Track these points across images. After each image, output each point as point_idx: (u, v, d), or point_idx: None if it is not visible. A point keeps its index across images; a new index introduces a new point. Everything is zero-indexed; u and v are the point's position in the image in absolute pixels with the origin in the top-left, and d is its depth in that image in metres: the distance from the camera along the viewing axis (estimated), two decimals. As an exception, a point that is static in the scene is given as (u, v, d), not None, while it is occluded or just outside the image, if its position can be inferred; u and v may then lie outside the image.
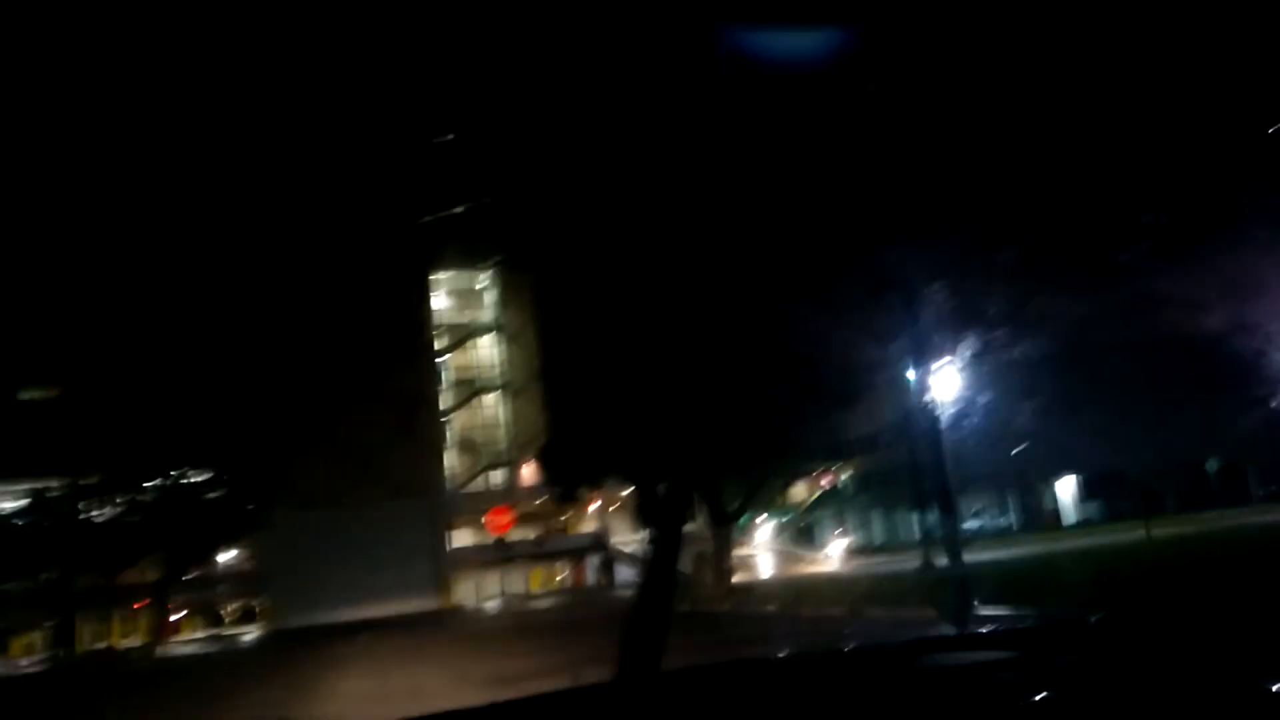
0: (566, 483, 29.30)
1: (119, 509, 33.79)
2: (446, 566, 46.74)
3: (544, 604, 33.98)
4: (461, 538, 49.75)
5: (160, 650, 37.98)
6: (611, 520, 49.19)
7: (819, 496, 63.52)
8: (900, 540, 51.65)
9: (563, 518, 55.04)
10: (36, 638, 41.94)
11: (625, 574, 46.14)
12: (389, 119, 48.43)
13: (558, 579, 59.55)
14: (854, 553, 34.00)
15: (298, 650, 23.40)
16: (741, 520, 26.73)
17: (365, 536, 44.44)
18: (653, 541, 8.24)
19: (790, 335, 21.07)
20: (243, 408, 42.67)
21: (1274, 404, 30.33)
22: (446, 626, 25.36)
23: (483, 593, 49.52)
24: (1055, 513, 51.37)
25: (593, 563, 51.02)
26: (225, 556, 49.99)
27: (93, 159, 40.47)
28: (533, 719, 2.17)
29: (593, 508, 49.00)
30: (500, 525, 25.50)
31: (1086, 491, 52.13)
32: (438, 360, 54.00)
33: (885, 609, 12.97)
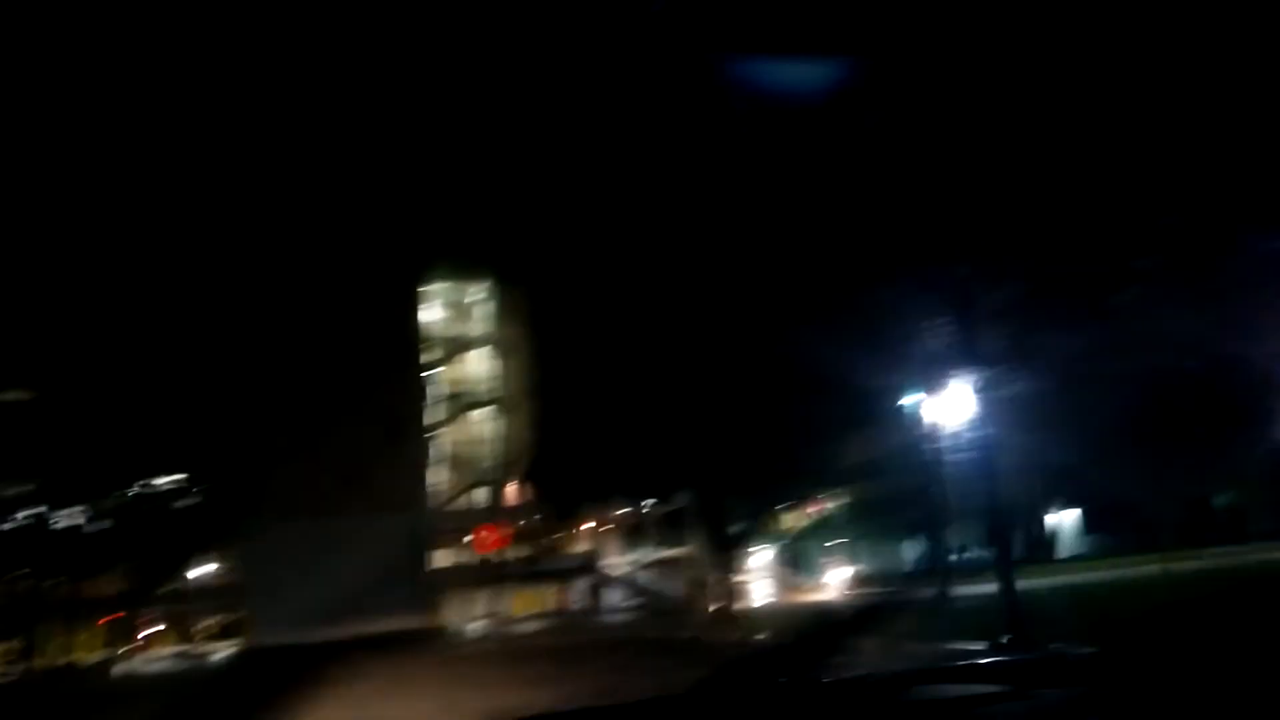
0: (562, 500, 28.32)
1: (85, 516, 32.38)
2: (429, 585, 45.28)
3: (530, 627, 32.63)
4: (445, 557, 48.41)
5: (121, 667, 36.48)
6: (601, 543, 47.94)
7: (807, 525, 62.65)
8: (897, 570, 50.96)
9: (550, 539, 53.82)
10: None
11: (613, 598, 44.88)
12: (380, 124, 47.94)
13: (543, 602, 58.21)
14: (858, 581, 32.81)
15: (270, 671, 22.01)
16: (746, 545, 25.57)
17: (346, 551, 42.97)
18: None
19: (805, 354, 20.39)
20: (222, 415, 41.50)
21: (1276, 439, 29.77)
22: (431, 649, 24.02)
23: (465, 613, 48.07)
24: (1050, 546, 50.61)
25: (580, 586, 49.63)
26: (201, 569, 48.60)
27: (71, 162, 39.56)
28: None
29: (580, 529, 47.84)
30: (488, 543, 24.25)
31: (1086, 524, 51.29)
32: (427, 374, 52.76)
33: (922, 640, 11.85)
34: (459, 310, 58.03)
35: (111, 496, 33.06)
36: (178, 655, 48.69)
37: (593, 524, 45.13)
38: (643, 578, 36.97)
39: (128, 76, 38.37)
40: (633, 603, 40.54)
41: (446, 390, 55.50)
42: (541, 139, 30.38)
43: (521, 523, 46.95)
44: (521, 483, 50.65)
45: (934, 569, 20.40)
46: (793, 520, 58.89)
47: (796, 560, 51.89)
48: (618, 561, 47.10)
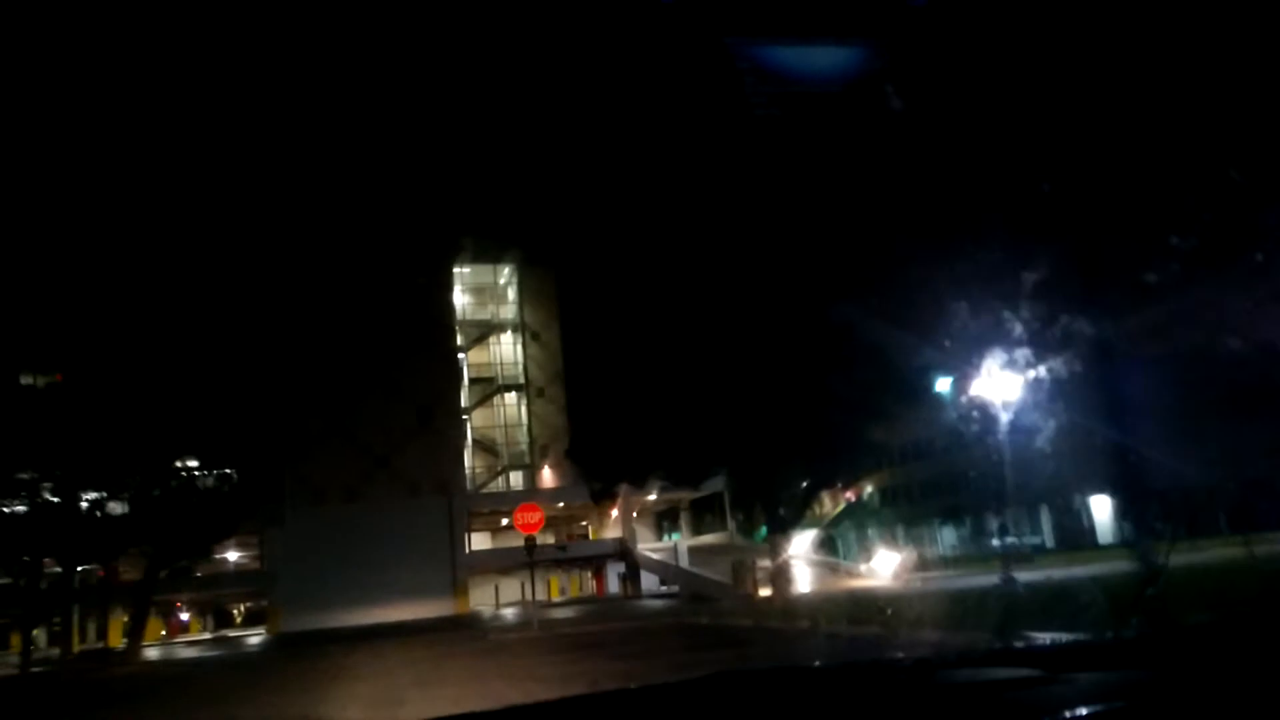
0: (597, 483, 27.50)
1: (115, 500, 31.89)
2: (463, 570, 44.70)
3: (567, 613, 31.75)
4: (478, 540, 47.83)
5: (153, 652, 36.10)
6: (637, 526, 47.09)
7: (843, 509, 61.52)
8: (941, 554, 49.92)
9: (584, 523, 53.09)
10: (39, 635, 40.22)
11: (650, 582, 44.03)
12: (407, 108, 47.43)
13: (578, 586, 57.58)
14: (911, 566, 31.67)
15: (298, 660, 21.26)
16: (796, 527, 24.58)
17: (378, 536, 42.52)
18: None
19: (846, 333, 19.68)
20: (254, 399, 41.04)
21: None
22: (469, 637, 23.15)
23: (500, 599, 47.48)
24: (1091, 530, 49.37)
25: (616, 570, 48.87)
26: (234, 554, 48.39)
27: (107, 145, 39.28)
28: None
29: (615, 513, 47.04)
30: (530, 524, 23.34)
31: (1126, 510, 49.82)
32: (460, 356, 52.10)
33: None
34: (490, 292, 57.31)
35: (142, 480, 32.52)
36: (209, 640, 48.61)
37: (628, 508, 44.21)
38: (681, 562, 35.98)
39: (159, 62, 38.12)
40: (671, 588, 39.60)
41: (479, 373, 54.83)
42: (568, 121, 29.77)
43: (557, 506, 46.19)
44: (556, 466, 49.92)
45: (1006, 554, 19.26)
46: (830, 505, 57.93)
47: (834, 545, 50.86)
48: (654, 546, 46.23)
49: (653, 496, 43.71)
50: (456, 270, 53.89)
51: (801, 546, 35.14)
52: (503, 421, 55.16)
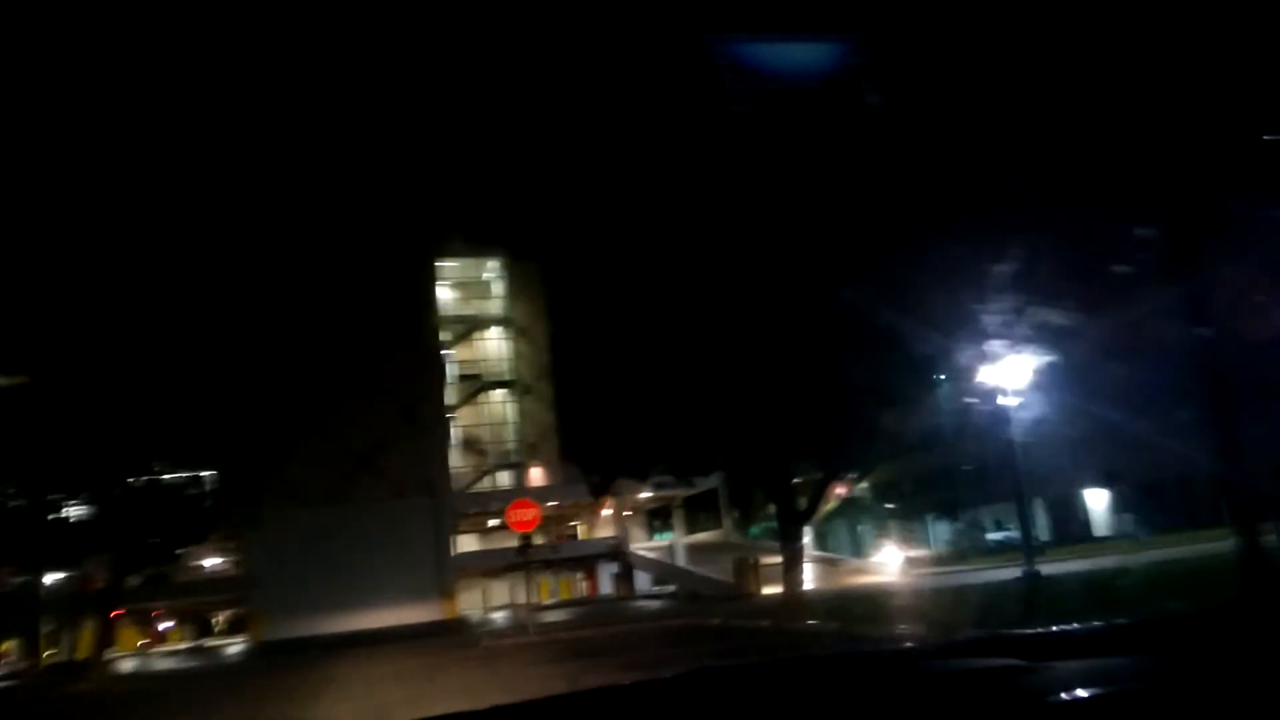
0: (588, 481, 26.38)
1: (88, 505, 30.35)
2: (450, 573, 43.28)
3: (563, 616, 30.42)
4: (465, 542, 46.47)
5: (130, 663, 34.58)
6: (630, 525, 45.81)
7: (834, 505, 60.56)
8: (941, 548, 48.99)
9: (573, 523, 51.76)
10: (10, 647, 38.63)
11: (643, 582, 42.77)
12: (390, 103, 46.24)
13: (569, 588, 56.21)
14: (917, 562, 30.57)
15: (275, 674, 19.81)
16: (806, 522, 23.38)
17: (362, 539, 41.05)
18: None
19: (862, 311, 18.96)
20: (232, 397, 39.62)
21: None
22: (461, 644, 21.75)
23: (488, 602, 46.13)
24: (1086, 524, 48.60)
25: (609, 570, 47.53)
26: (214, 560, 46.88)
27: (75, 140, 37.76)
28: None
29: (606, 512, 45.78)
30: (525, 522, 22.03)
31: (1122, 503, 49.06)
32: (445, 353, 50.70)
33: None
34: (476, 287, 55.95)
35: (117, 484, 30.99)
36: (189, 650, 47.04)
37: (622, 505, 42.91)
38: (678, 560, 34.71)
39: (135, 63, 36.69)
40: (669, 588, 38.32)
41: (464, 370, 53.46)
42: (554, 114, 29.08)
43: (547, 506, 44.90)
44: (545, 464, 48.62)
45: (1028, 546, 18.34)
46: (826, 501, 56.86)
47: (826, 541, 49.80)
48: (648, 545, 44.94)
49: (649, 494, 42.46)
50: (441, 264, 52.50)
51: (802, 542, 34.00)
52: (489, 420, 53.80)
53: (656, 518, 55.30)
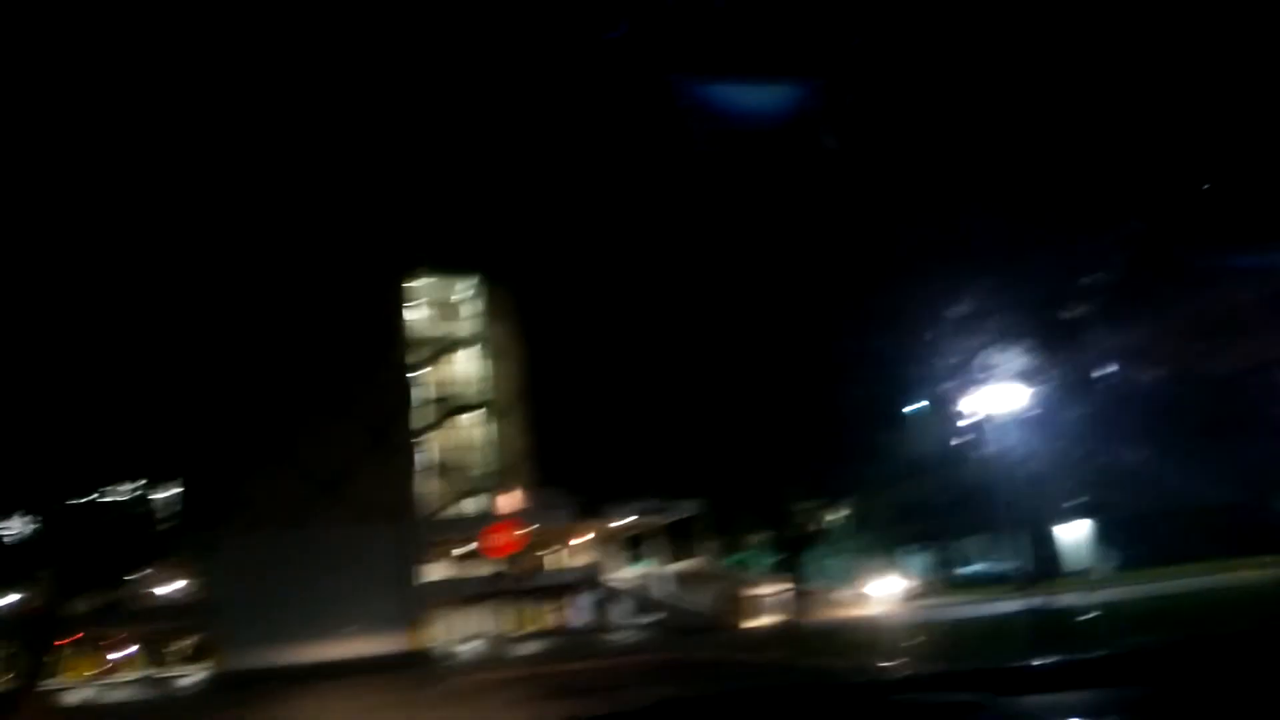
0: (560, 507, 25.30)
1: (34, 527, 28.70)
2: (418, 602, 41.72)
3: (535, 648, 29.09)
4: (435, 570, 44.95)
5: (80, 694, 32.81)
6: (605, 554, 44.49)
7: (817, 533, 59.69)
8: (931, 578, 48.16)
9: (546, 550, 50.33)
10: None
11: (621, 614, 41.47)
12: (361, 121, 45.46)
13: (543, 619, 54.61)
14: (913, 592, 29.61)
15: (242, 698, 18.42)
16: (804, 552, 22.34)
17: (324, 565, 39.44)
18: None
19: (823, 356, 18.56)
20: (190, 416, 38.07)
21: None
22: (433, 680, 20.40)
23: (456, 632, 44.55)
24: (1054, 559, 48.06)
25: (584, 600, 46.10)
26: (169, 585, 45.08)
27: (41, 155, 36.53)
28: None
29: (579, 540, 44.48)
30: (500, 547, 20.85)
31: (1104, 536, 48.48)
32: (413, 375, 49.38)
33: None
34: (446, 309, 54.78)
35: (65, 505, 29.41)
36: (144, 680, 45.06)
37: (595, 534, 41.61)
38: (656, 591, 33.49)
39: (106, 72, 35.61)
40: (647, 619, 37.02)
41: (434, 393, 52.13)
42: (529, 134, 28.87)
43: (520, 532, 43.55)
44: (516, 490, 47.30)
45: (1038, 575, 17.49)
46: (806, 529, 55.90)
47: (807, 570, 48.77)
48: (625, 574, 43.63)
49: (627, 520, 41.26)
50: (412, 285, 51.34)
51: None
52: (460, 444, 52.43)
53: (634, 545, 54.04)
